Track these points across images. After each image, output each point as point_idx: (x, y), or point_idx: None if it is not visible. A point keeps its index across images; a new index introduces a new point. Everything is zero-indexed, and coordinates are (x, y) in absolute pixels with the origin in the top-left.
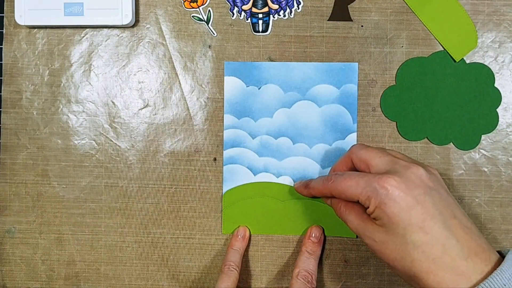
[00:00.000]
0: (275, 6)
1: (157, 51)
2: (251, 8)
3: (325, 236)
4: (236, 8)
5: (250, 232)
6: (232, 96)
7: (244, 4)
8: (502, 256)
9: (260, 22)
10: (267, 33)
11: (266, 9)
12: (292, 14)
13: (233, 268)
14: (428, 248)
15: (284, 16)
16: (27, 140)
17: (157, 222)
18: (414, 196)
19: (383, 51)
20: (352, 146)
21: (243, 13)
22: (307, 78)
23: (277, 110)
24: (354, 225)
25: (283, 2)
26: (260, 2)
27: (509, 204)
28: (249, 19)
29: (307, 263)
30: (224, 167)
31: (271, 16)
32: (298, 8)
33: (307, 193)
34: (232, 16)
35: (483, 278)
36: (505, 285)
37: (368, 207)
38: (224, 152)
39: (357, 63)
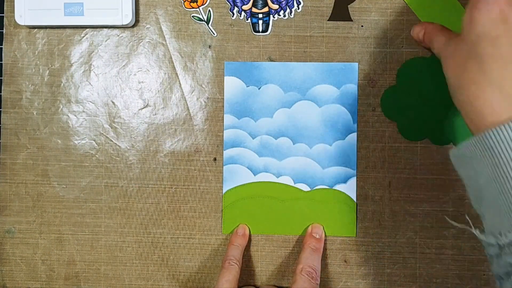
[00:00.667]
0: (275, 6)
1: (157, 51)
2: (251, 8)
3: (325, 236)
4: (236, 8)
5: (250, 230)
6: (232, 96)
7: (244, 4)
8: None
9: (260, 22)
10: (267, 33)
11: (266, 9)
12: (292, 14)
13: (234, 262)
14: (489, 61)
15: (284, 16)
16: (27, 140)
17: (157, 222)
18: (509, 16)
19: (383, 51)
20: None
21: (243, 13)
22: (307, 78)
23: (277, 110)
24: (438, 44)
25: (283, 2)
26: (260, 2)
27: None
28: (249, 19)
29: (311, 259)
30: (224, 167)
31: (271, 16)
32: (298, 8)
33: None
34: (232, 16)
35: None
36: None
37: (460, 35)
38: (224, 152)
39: (357, 63)
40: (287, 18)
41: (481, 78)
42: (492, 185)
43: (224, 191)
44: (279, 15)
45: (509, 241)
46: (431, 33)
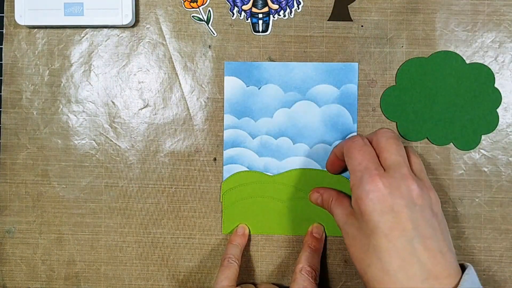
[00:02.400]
0: (275, 6)
1: (157, 51)
2: (251, 8)
3: (325, 236)
4: (236, 8)
5: (249, 230)
6: (232, 96)
7: (244, 4)
8: None
9: (260, 22)
10: (267, 33)
11: (266, 9)
12: (292, 14)
13: (233, 260)
14: (386, 257)
15: (284, 16)
16: (27, 140)
17: (157, 222)
18: (393, 203)
19: (383, 51)
20: (383, 130)
21: (243, 13)
22: (307, 78)
23: (277, 110)
24: (338, 217)
25: (283, 2)
26: (260, 2)
27: (509, 204)
28: (249, 19)
29: (311, 259)
30: (224, 167)
31: (271, 16)
32: (298, 8)
33: (332, 156)
34: (232, 16)
35: None
36: None
37: (352, 190)
38: (224, 152)
39: (357, 63)
40: (287, 18)
41: (385, 278)
42: None
43: (224, 191)
44: (279, 15)
45: None
46: (327, 202)
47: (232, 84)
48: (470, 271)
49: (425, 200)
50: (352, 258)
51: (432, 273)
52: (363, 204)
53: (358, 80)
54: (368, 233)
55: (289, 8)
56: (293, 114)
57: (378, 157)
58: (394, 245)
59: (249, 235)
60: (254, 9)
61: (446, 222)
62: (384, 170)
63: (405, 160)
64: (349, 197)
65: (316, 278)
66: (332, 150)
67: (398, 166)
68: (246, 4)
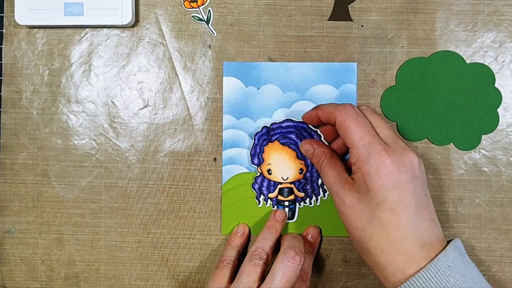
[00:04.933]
0: (301, 194)
1: (157, 51)
2: (277, 196)
3: (321, 237)
4: (262, 196)
5: (250, 230)
6: (231, 96)
7: (270, 192)
8: None
9: (286, 210)
10: (293, 220)
11: (292, 197)
12: (318, 201)
13: (227, 263)
14: (391, 228)
15: (310, 204)
16: (27, 140)
17: (157, 222)
18: (399, 179)
19: (383, 51)
20: (363, 106)
21: (269, 201)
22: (306, 78)
23: (276, 110)
24: (330, 180)
25: (309, 190)
26: (286, 190)
27: (510, 204)
28: (275, 207)
29: (304, 262)
30: (223, 167)
31: (297, 204)
32: (324, 196)
33: (313, 114)
34: (259, 204)
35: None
36: (449, 266)
37: (355, 165)
38: (223, 152)
39: (356, 63)
40: (313, 206)
41: (388, 247)
42: None
43: (223, 191)
44: (305, 203)
45: None
46: (319, 159)
47: (231, 85)
48: (457, 240)
49: (422, 172)
50: (348, 226)
51: (428, 240)
52: (370, 180)
53: (358, 80)
54: (373, 207)
55: (315, 196)
56: (292, 114)
57: None
58: (399, 218)
59: (249, 235)
60: (280, 197)
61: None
62: None
63: (396, 132)
64: (341, 160)
65: (307, 281)
66: (314, 108)
67: (394, 139)
68: (272, 192)
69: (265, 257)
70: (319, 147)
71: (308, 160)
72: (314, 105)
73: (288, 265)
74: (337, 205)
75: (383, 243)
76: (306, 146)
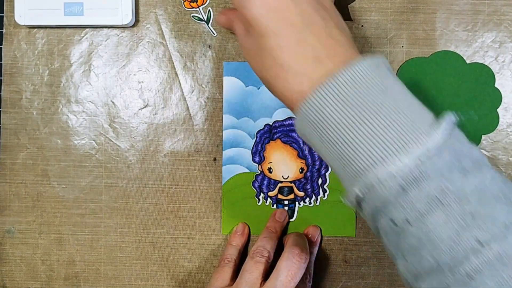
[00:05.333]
0: (301, 194)
1: (157, 51)
2: (277, 195)
3: (321, 237)
4: (262, 195)
5: (249, 229)
6: (231, 96)
7: (270, 191)
8: None
9: (286, 208)
10: (293, 219)
11: (292, 196)
12: (318, 201)
13: (228, 261)
14: (278, 52)
15: (310, 203)
16: (27, 140)
17: (157, 222)
18: (278, 2)
19: (383, 51)
20: None
21: (268, 199)
22: None
23: (276, 110)
24: (238, 31)
25: (309, 190)
26: (286, 189)
27: None
28: (275, 205)
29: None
30: (223, 167)
31: (296, 203)
32: (324, 196)
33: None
34: (258, 202)
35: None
36: (353, 80)
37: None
38: (223, 152)
39: None
40: (313, 206)
41: (281, 73)
42: (328, 153)
43: (223, 191)
44: (305, 202)
45: (356, 195)
46: (230, 22)
47: (231, 84)
48: (379, 57)
49: None
50: (254, 70)
51: (324, 54)
52: (247, 11)
53: None
54: (257, 37)
55: (315, 195)
56: (292, 114)
57: None
58: (284, 40)
59: (249, 234)
60: (280, 196)
61: (341, 17)
62: None
63: None
64: None
65: (309, 280)
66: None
67: None
68: (272, 191)
69: (266, 255)
70: (230, 11)
71: (309, 159)
72: None
73: (294, 263)
74: (244, 56)
75: (275, 70)
76: (220, 18)
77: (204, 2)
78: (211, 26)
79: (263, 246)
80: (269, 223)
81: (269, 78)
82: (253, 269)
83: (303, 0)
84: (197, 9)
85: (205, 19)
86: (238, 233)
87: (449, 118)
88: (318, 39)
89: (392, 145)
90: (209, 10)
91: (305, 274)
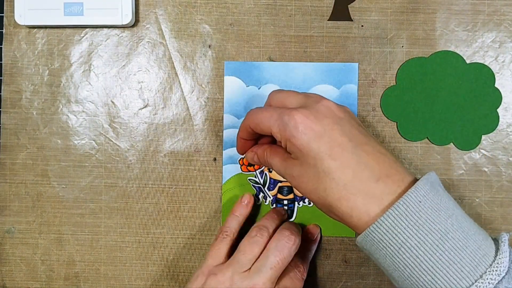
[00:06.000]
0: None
1: (157, 51)
2: (276, 195)
3: (321, 236)
4: (261, 194)
5: (254, 200)
6: (232, 96)
7: (270, 190)
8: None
9: (285, 208)
10: (292, 219)
11: (291, 196)
12: None
13: (226, 234)
14: (338, 174)
15: (309, 203)
16: (27, 140)
17: (156, 222)
18: (322, 125)
19: (384, 51)
20: (272, 92)
21: (268, 198)
22: (307, 78)
23: None
24: (277, 167)
25: None
26: (286, 188)
27: (510, 204)
28: (274, 205)
29: (302, 257)
30: (223, 167)
31: (296, 203)
32: None
33: (240, 143)
34: (258, 202)
35: (396, 199)
36: (420, 202)
37: (282, 140)
38: (223, 152)
39: (357, 63)
40: (312, 206)
41: (343, 192)
42: (396, 271)
43: (223, 191)
44: (304, 202)
45: None
46: (263, 157)
47: (232, 84)
48: (430, 173)
49: (345, 112)
50: (305, 194)
51: (383, 172)
52: (296, 140)
53: (359, 80)
54: (312, 162)
55: None
56: None
57: None
58: (340, 161)
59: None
60: (279, 195)
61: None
62: None
63: (307, 94)
64: (281, 146)
65: (304, 274)
66: (237, 136)
67: (305, 97)
68: (272, 190)
69: (266, 234)
70: (259, 147)
71: None
72: None
73: (283, 244)
74: (291, 183)
75: (338, 192)
76: (250, 155)
77: (261, 166)
78: (211, 26)
79: (263, 225)
80: (272, 209)
81: (330, 200)
82: (247, 250)
83: (344, 121)
84: (254, 172)
85: (261, 183)
86: (244, 203)
87: (504, 238)
88: (371, 158)
89: (466, 270)
90: (265, 174)
91: (299, 266)
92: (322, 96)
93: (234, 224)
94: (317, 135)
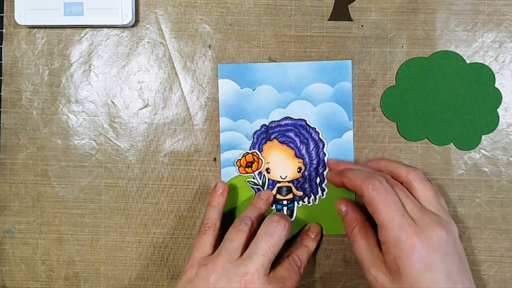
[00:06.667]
0: (300, 193)
1: (157, 51)
2: (275, 195)
3: (322, 235)
4: None
5: (228, 187)
6: (227, 98)
7: None
8: None
9: (285, 208)
10: (292, 219)
11: (290, 196)
12: (317, 200)
13: (208, 226)
14: None
15: (309, 203)
16: (27, 140)
17: (156, 222)
18: (431, 260)
19: (383, 51)
20: (414, 171)
21: None
22: (301, 78)
23: (272, 111)
24: (361, 252)
25: (308, 189)
26: (285, 189)
27: (510, 204)
28: (274, 205)
29: (300, 252)
30: (221, 169)
31: (295, 203)
32: (323, 195)
33: (339, 181)
34: None
35: None
36: None
37: (385, 245)
38: (221, 155)
39: (350, 61)
40: (311, 205)
41: None
42: None
43: None
44: (304, 202)
45: None
46: (350, 226)
47: (226, 87)
48: None
49: (452, 245)
50: None
51: None
52: (403, 264)
53: (358, 80)
54: (406, 286)
55: (313, 195)
56: (288, 114)
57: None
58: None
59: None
60: (278, 196)
61: (462, 246)
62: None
63: (419, 202)
64: (373, 229)
65: (301, 269)
66: (340, 174)
67: (420, 212)
68: (270, 191)
69: (249, 223)
70: (353, 212)
71: (306, 159)
72: (310, 104)
73: (273, 229)
74: (368, 281)
75: None
76: (340, 207)
77: (259, 167)
78: (211, 26)
79: (246, 215)
80: (254, 199)
81: None
82: (234, 237)
83: (449, 258)
84: (252, 174)
85: (260, 184)
86: (218, 192)
87: None
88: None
89: None
90: (264, 175)
91: (296, 259)
92: (438, 222)
93: (213, 214)
94: (423, 269)
